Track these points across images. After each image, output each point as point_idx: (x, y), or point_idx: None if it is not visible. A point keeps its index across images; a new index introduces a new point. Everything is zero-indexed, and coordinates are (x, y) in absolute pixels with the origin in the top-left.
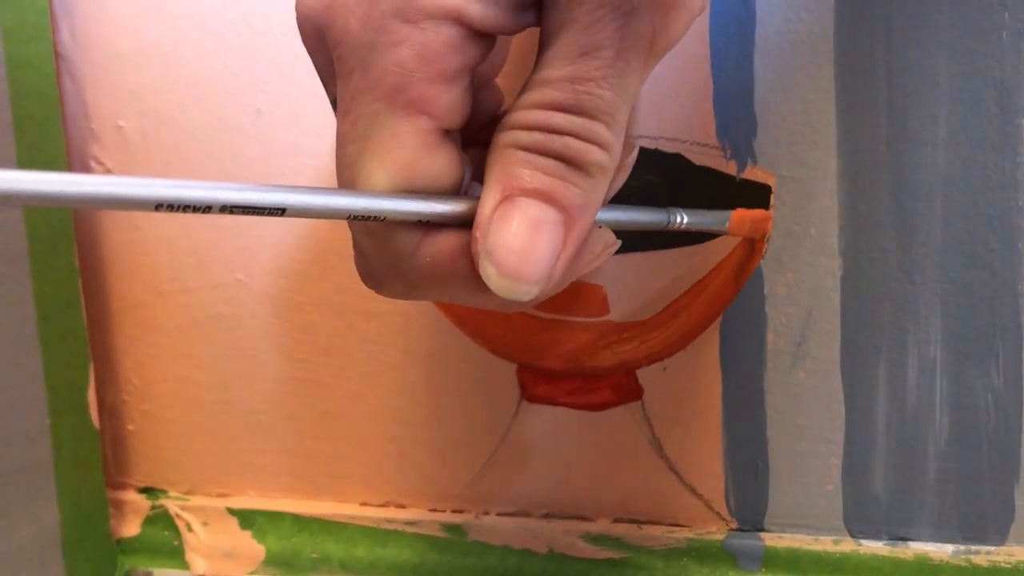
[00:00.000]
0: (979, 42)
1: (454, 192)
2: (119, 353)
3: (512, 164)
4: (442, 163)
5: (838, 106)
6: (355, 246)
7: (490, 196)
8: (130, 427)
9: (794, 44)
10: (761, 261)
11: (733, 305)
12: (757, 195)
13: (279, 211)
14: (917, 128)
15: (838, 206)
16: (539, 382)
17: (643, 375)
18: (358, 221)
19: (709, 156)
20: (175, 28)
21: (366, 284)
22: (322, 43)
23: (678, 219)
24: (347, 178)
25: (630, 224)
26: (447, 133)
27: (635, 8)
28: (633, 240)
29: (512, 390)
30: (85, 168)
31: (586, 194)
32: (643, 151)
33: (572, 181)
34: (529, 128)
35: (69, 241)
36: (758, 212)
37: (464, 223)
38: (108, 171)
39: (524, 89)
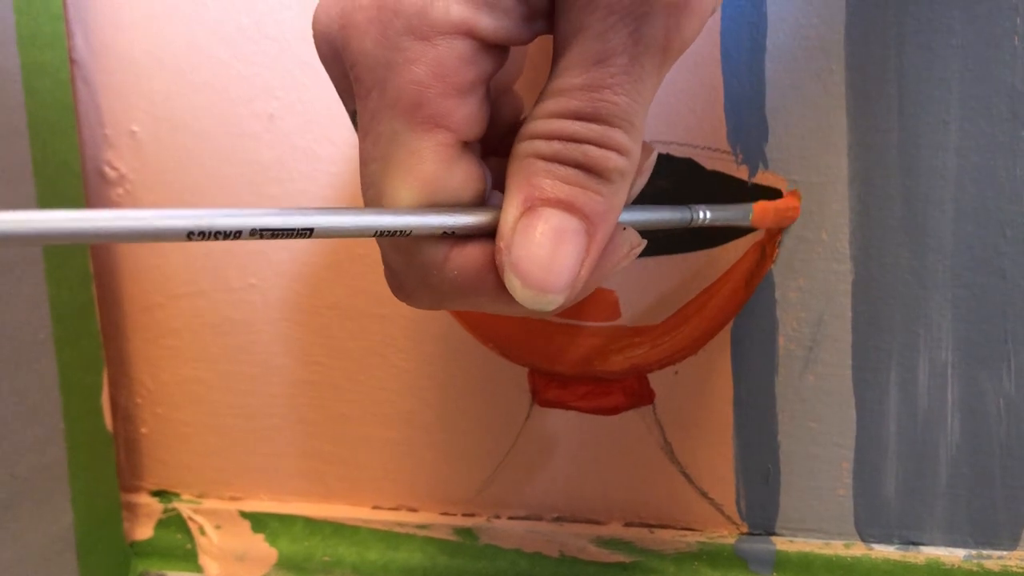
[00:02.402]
0: (991, 47)
1: (477, 202)
2: (133, 357)
3: (533, 174)
4: (463, 175)
5: (849, 111)
6: (384, 261)
7: (512, 207)
8: (143, 430)
9: (805, 49)
10: (772, 266)
11: (744, 310)
12: (768, 199)
13: (307, 232)
14: (928, 133)
15: (849, 211)
16: (551, 386)
17: (655, 379)
18: (385, 238)
19: (720, 161)
20: (188, 34)
21: (397, 296)
22: (338, 60)
23: (700, 215)
24: (372, 196)
25: (654, 223)
26: (466, 145)
27: (647, 13)
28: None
29: (524, 394)
30: (99, 173)
31: (607, 200)
32: None
33: (593, 188)
34: (548, 138)
35: (83, 245)
36: (781, 201)
37: (489, 233)
38: (122, 175)
39: (541, 98)
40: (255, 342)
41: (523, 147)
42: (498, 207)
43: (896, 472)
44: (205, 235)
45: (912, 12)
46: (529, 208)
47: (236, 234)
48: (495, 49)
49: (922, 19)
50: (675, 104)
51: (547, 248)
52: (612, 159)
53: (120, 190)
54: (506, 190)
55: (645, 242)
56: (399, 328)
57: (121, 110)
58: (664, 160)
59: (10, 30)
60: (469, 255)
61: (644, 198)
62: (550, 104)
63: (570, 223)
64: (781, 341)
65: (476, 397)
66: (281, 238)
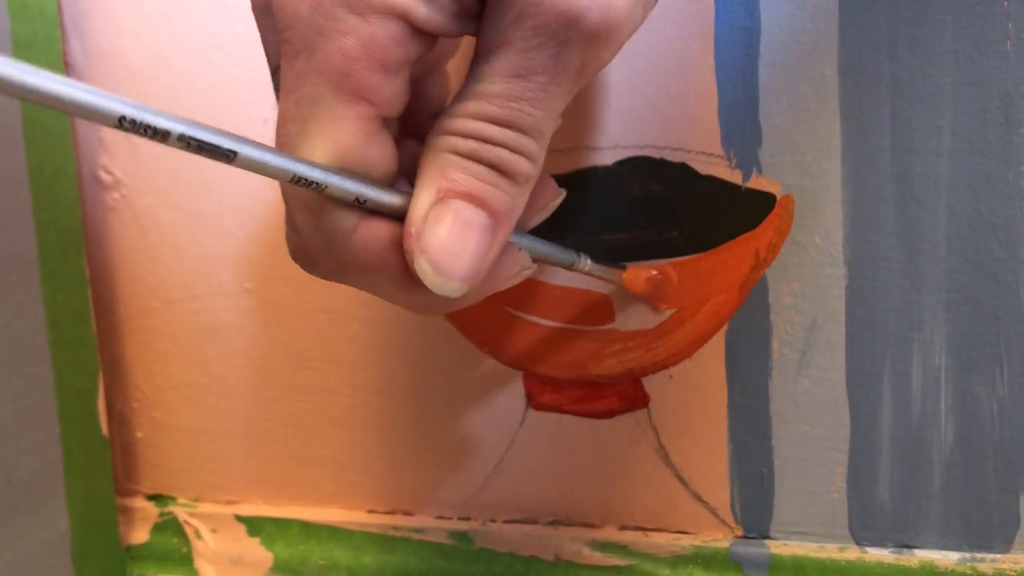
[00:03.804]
0: (983, 52)
1: (387, 181)
2: (128, 361)
3: (448, 167)
4: (379, 152)
5: (843, 116)
6: (289, 221)
7: (424, 195)
8: (139, 434)
9: (799, 54)
10: (766, 270)
11: (738, 314)
12: (762, 204)
13: (231, 155)
14: (921, 138)
15: (843, 215)
16: (545, 390)
17: (649, 383)
18: (298, 196)
19: (714, 165)
20: (183, 39)
21: (295, 260)
22: (270, 16)
23: (582, 262)
24: (282, 147)
25: (542, 255)
26: (385, 123)
27: (569, 40)
28: (639, 249)
29: (518, 398)
30: (94, 177)
31: (512, 200)
32: (649, 160)
33: (501, 188)
34: (466, 136)
35: (79, 249)
36: (651, 272)
37: (397, 216)
38: (117, 180)
39: (461, 96)
40: (250, 347)
41: (441, 141)
42: (409, 192)
43: (890, 475)
44: (136, 127)
45: (905, 17)
46: (441, 199)
47: (164, 135)
48: (425, 36)
49: (915, 24)
50: (669, 109)
51: (456, 237)
52: (523, 164)
53: (116, 194)
54: (419, 178)
55: (536, 267)
56: (394, 333)
57: None
58: (658, 165)
59: (5, 35)
60: (377, 231)
61: (638, 201)
62: (471, 105)
63: (478, 216)
64: (775, 345)
65: (471, 401)
66: (206, 155)
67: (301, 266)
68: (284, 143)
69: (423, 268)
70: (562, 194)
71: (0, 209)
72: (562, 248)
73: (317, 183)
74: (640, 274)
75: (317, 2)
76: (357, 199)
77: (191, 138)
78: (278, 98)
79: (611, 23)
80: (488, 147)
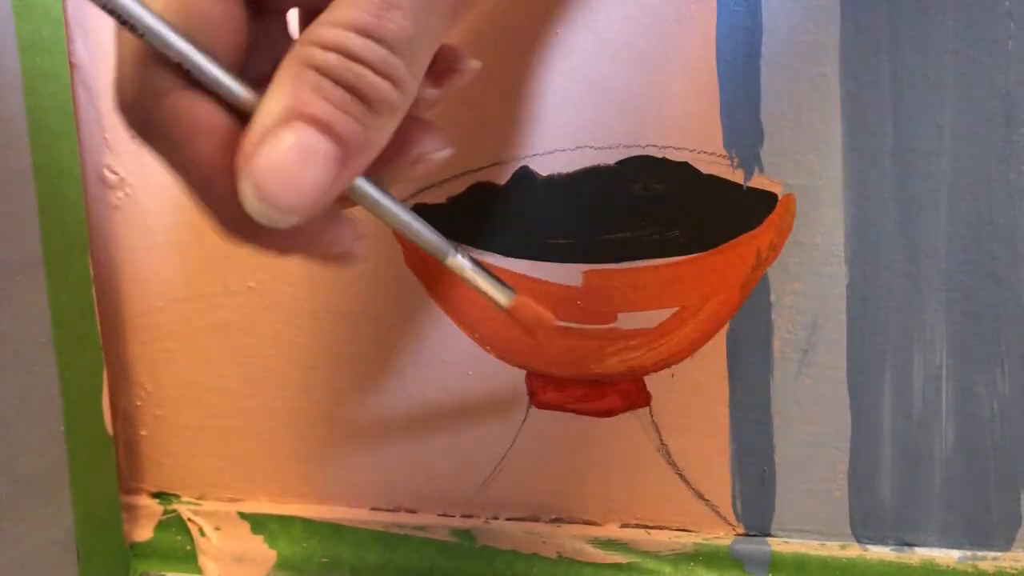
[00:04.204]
0: (985, 52)
1: (233, 55)
2: (132, 359)
3: (301, 84)
4: (220, 15)
5: (844, 115)
6: (116, 66)
7: (270, 111)
8: (143, 432)
9: (800, 54)
10: (768, 269)
11: (740, 313)
12: (763, 203)
13: None
14: (922, 137)
15: (844, 214)
16: (548, 389)
17: (651, 382)
18: (127, 39)
19: (716, 165)
20: None
21: (115, 104)
22: None
23: (458, 260)
24: None
25: (408, 232)
26: None
27: None
28: (641, 248)
29: (521, 396)
30: (99, 177)
31: (368, 131)
32: (651, 159)
33: (357, 116)
34: (326, 47)
35: (83, 248)
36: (541, 310)
37: (223, 101)
38: (122, 179)
39: (329, 7)
40: (254, 345)
41: (300, 51)
42: (248, 86)
43: (891, 474)
44: None
45: (906, 18)
46: (286, 119)
47: None
48: None
49: (916, 24)
50: (671, 109)
51: (293, 165)
52: (385, 90)
53: (120, 194)
54: (270, 87)
55: (363, 238)
56: (397, 331)
57: None
58: (660, 164)
59: (10, 35)
60: (192, 106)
61: (640, 199)
62: (337, 11)
63: (324, 145)
64: (776, 344)
65: (474, 399)
66: None
67: (117, 112)
68: None
69: (245, 192)
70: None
71: (5, 208)
72: (436, 233)
73: (135, 24)
74: (529, 306)
75: None
76: (180, 64)
77: None
78: None
79: None
80: (349, 65)
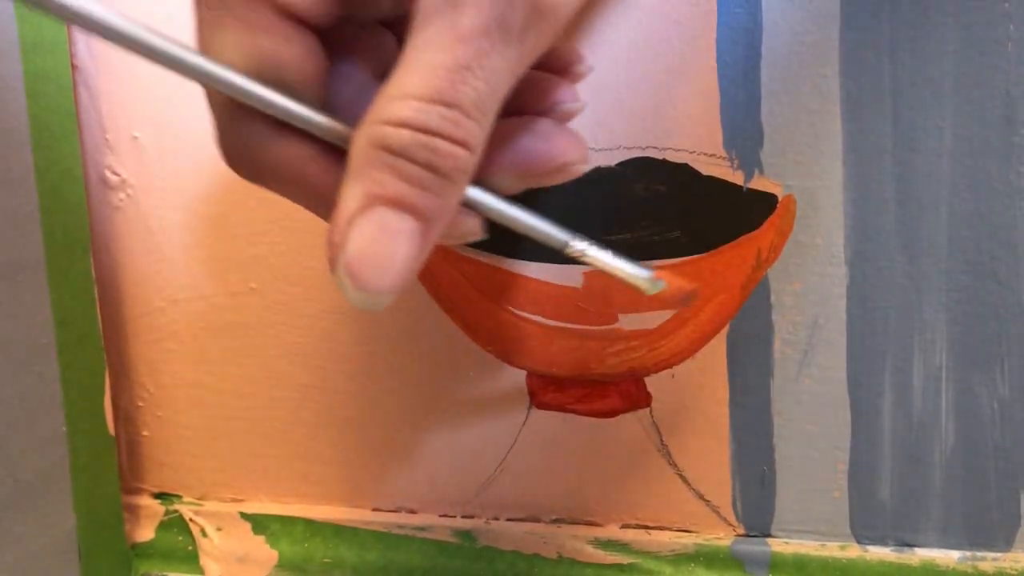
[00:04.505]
0: (984, 53)
1: (314, 90)
2: (134, 360)
3: (377, 167)
4: (296, 54)
5: (844, 116)
6: (215, 127)
7: (351, 198)
8: (145, 433)
9: (801, 55)
10: (768, 270)
11: (740, 313)
12: (763, 204)
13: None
14: (922, 138)
15: (844, 215)
16: (548, 389)
17: (651, 382)
18: (219, 99)
19: (716, 166)
20: (190, 41)
21: (223, 158)
22: None
23: (577, 246)
24: (201, 51)
25: (525, 230)
26: (305, 26)
27: (514, 2)
28: (641, 249)
29: (522, 397)
30: (101, 178)
31: (445, 200)
32: (651, 161)
33: (434, 189)
34: (398, 125)
35: (85, 249)
36: (681, 282)
37: (317, 133)
38: (123, 181)
39: (397, 72)
40: (255, 345)
41: (372, 131)
42: (336, 119)
43: (891, 474)
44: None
45: (906, 19)
46: (367, 206)
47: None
48: None
49: (916, 25)
50: (671, 110)
51: (381, 248)
52: (460, 158)
53: (122, 195)
54: (347, 173)
55: (481, 235)
56: (398, 332)
57: (123, 115)
58: (660, 166)
59: (13, 37)
60: (296, 147)
61: (641, 200)
62: (406, 81)
63: (407, 224)
64: (777, 344)
65: (475, 400)
66: (109, 38)
67: (228, 165)
68: (200, 38)
69: (344, 283)
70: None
71: (7, 210)
72: (551, 224)
73: (228, 87)
74: (682, 287)
75: None
76: (270, 109)
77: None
78: None
79: None
80: (422, 140)
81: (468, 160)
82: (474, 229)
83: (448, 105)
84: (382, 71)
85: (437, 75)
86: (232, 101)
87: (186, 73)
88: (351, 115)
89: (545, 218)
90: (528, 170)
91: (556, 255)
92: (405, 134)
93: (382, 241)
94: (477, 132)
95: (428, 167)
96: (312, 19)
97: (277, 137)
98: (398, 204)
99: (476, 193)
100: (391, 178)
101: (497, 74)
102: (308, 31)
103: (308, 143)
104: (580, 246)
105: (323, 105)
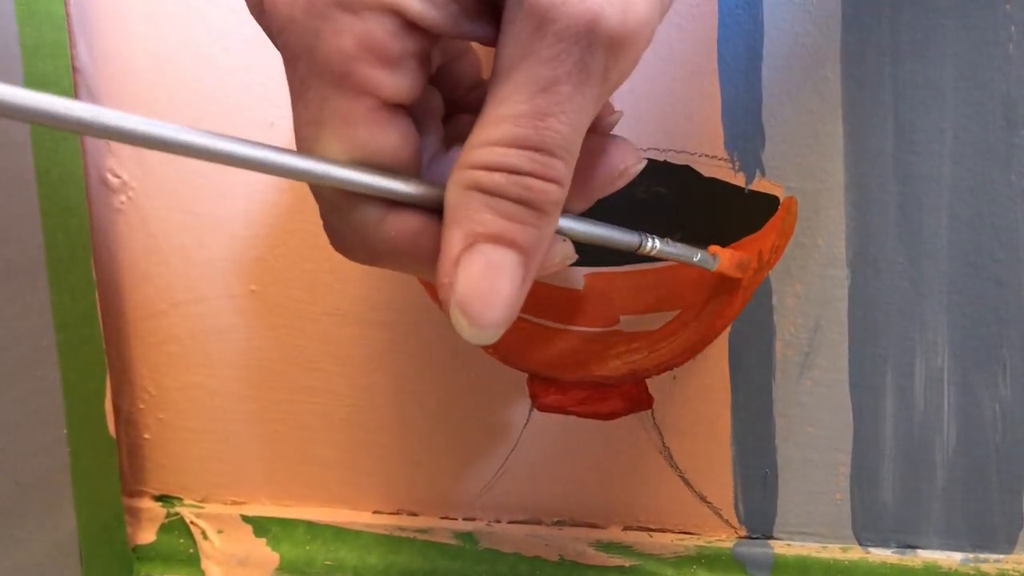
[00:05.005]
0: (985, 55)
1: (411, 164)
2: (135, 362)
3: (474, 209)
4: (396, 139)
5: (845, 118)
6: (323, 217)
7: (454, 241)
8: (146, 436)
9: (802, 57)
10: (770, 272)
11: (742, 315)
12: (765, 206)
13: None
14: (923, 140)
15: (846, 217)
16: (549, 391)
17: (653, 384)
18: (326, 194)
19: (718, 168)
20: (190, 43)
21: (336, 250)
22: (265, 17)
23: (649, 244)
24: (303, 150)
25: (599, 240)
26: (400, 109)
27: (591, 44)
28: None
29: (523, 399)
30: (102, 181)
31: (542, 231)
32: (652, 163)
33: (531, 223)
34: (490, 169)
35: (86, 252)
36: (740, 255)
37: (423, 204)
38: (124, 183)
39: (481, 122)
40: (256, 348)
41: (464, 176)
42: (435, 184)
43: (893, 476)
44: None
45: (907, 21)
46: (470, 245)
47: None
48: (423, 31)
49: (917, 28)
50: (673, 112)
51: (488, 284)
52: (551, 192)
53: (123, 197)
54: (445, 218)
55: (576, 256)
56: (399, 334)
57: None
58: (662, 167)
59: (13, 40)
60: (406, 220)
61: (642, 203)
62: (492, 131)
63: (509, 258)
64: (778, 346)
65: (476, 402)
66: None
67: (344, 255)
68: (303, 147)
69: (459, 321)
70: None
71: (8, 212)
72: (623, 229)
73: (339, 181)
74: (724, 251)
75: (310, 4)
76: (379, 192)
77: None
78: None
79: (629, 22)
80: (514, 179)
81: (560, 193)
82: (569, 252)
83: (535, 150)
84: (442, 134)
85: (520, 123)
86: (336, 195)
87: (297, 177)
88: (435, 180)
89: (616, 226)
90: (595, 186)
91: None
92: (498, 176)
93: (489, 276)
94: (564, 168)
95: (523, 203)
96: (410, 103)
97: (388, 217)
98: (499, 240)
99: (560, 220)
100: (490, 216)
101: (578, 114)
102: (404, 114)
103: (416, 215)
104: (651, 244)
105: (416, 169)
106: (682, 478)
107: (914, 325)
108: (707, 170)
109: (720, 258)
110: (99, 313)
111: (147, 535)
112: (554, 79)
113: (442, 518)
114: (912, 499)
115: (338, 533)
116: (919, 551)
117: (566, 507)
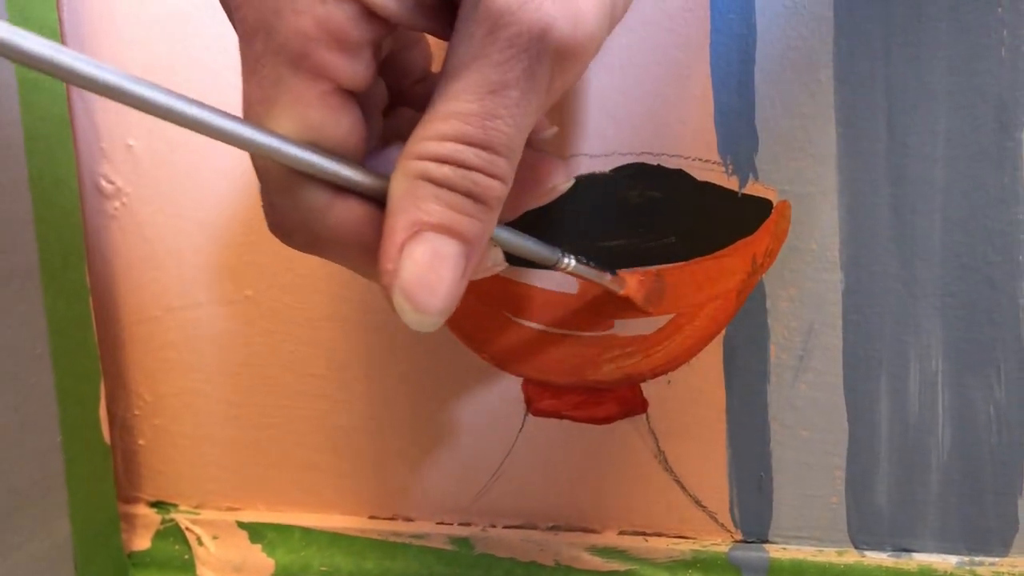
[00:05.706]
0: (978, 58)
1: (357, 153)
2: (130, 368)
3: (421, 198)
4: (346, 125)
5: (838, 122)
6: (265, 197)
7: (399, 228)
8: (141, 442)
9: (794, 61)
10: (763, 276)
11: (736, 319)
12: (758, 210)
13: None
14: (916, 143)
15: (839, 221)
16: (544, 396)
17: (648, 388)
18: (272, 173)
19: (711, 172)
20: (184, 47)
21: (273, 233)
22: None
23: (566, 261)
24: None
25: (521, 251)
26: (351, 96)
27: (540, 52)
28: (636, 255)
29: (518, 404)
30: (96, 186)
31: (485, 226)
32: (645, 167)
33: (475, 216)
34: (439, 160)
35: (80, 257)
36: (642, 276)
37: (369, 195)
38: (118, 189)
39: (431, 116)
40: (251, 354)
41: (412, 166)
42: (382, 176)
43: (888, 479)
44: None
45: (899, 24)
46: (416, 233)
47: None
48: (382, 20)
49: (909, 31)
50: (666, 116)
51: (432, 272)
52: (496, 188)
53: (117, 203)
54: (390, 205)
55: (507, 264)
56: (394, 340)
57: (117, 124)
58: (655, 172)
59: None
60: (351, 208)
61: (636, 207)
62: (441, 126)
63: (453, 248)
64: (773, 350)
65: (471, 407)
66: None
67: (279, 239)
68: (253, 123)
69: (403, 307)
70: (571, 181)
71: (1, 218)
72: (544, 244)
73: (292, 159)
74: (632, 277)
75: None
76: (329, 176)
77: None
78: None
79: (579, 34)
80: (462, 172)
81: (503, 190)
82: (499, 259)
83: (482, 148)
84: (381, 127)
85: (469, 122)
86: (284, 175)
87: (251, 148)
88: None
89: (539, 240)
90: (525, 200)
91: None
92: (446, 168)
93: (434, 264)
94: (508, 167)
95: (470, 196)
96: (361, 91)
97: (335, 203)
98: (445, 229)
99: None
100: (437, 207)
101: (523, 118)
102: (355, 101)
103: (361, 204)
104: (566, 261)
105: (362, 157)
106: (677, 482)
107: (908, 328)
108: (700, 174)
109: (627, 284)
110: (93, 319)
111: (142, 541)
112: (503, 83)
113: (437, 523)
114: (907, 502)
115: (333, 539)
116: (915, 554)
117: (561, 512)
